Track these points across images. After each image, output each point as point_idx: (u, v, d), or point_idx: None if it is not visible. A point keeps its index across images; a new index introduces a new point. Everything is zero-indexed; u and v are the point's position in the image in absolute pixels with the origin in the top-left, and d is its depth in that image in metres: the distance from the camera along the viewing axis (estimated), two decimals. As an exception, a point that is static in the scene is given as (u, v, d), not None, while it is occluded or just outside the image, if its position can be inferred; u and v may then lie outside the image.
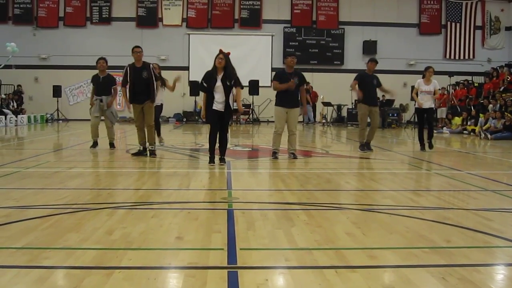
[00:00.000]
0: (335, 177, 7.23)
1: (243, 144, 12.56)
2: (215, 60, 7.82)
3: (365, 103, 10.41)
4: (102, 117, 10.42)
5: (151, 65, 9.07)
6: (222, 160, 8.08)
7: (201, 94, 8.24)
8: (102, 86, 10.28)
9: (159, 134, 10.79)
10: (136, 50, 8.93)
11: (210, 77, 7.85)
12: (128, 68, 8.94)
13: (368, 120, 10.67)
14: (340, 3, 25.31)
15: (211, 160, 7.99)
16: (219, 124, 7.98)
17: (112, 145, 10.49)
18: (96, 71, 10.46)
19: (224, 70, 7.80)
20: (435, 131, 18.58)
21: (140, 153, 9.07)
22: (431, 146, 10.87)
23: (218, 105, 7.85)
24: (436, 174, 7.73)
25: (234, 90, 8.00)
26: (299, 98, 9.13)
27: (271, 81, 8.89)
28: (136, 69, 8.88)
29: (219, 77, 7.80)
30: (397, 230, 4.13)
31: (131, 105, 9.04)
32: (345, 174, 7.62)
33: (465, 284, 2.91)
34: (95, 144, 10.32)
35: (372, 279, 2.97)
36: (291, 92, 8.84)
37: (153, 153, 9.08)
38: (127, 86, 8.99)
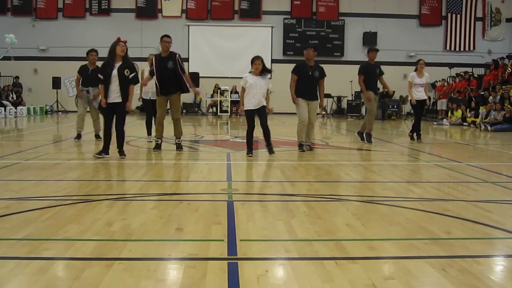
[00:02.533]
0: (335, 169, 7.23)
1: (242, 136, 12.55)
2: (115, 47, 7.58)
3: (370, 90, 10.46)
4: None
5: (177, 55, 8.62)
6: (121, 153, 7.82)
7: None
8: (91, 77, 10.13)
9: (149, 132, 10.37)
10: (166, 40, 8.55)
11: (106, 64, 7.63)
12: (153, 58, 8.63)
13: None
14: (340, -6, 25.23)
15: (105, 151, 7.69)
16: (115, 116, 7.72)
17: (98, 136, 10.36)
18: (85, 62, 10.34)
19: (123, 59, 7.60)
20: (435, 123, 18.70)
21: (159, 147, 8.81)
22: (413, 138, 11.19)
23: (112, 96, 7.59)
24: (436, 165, 7.73)
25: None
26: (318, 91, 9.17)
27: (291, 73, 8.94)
28: (162, 59, 8.52)
29: (117, 65, 7.55)
30: (397, 221, 4.13)
31: (157, 97, 8.73)
32: (345, 165, 7.62)
33: (465, 275, 2.91)
34: (79, 136, 10.24)
35: (372, 271, 2.97)
36: (311, 84, 8.88)
37: (180, 147, 8.84)
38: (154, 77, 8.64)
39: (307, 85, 8.87)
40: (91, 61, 10.23)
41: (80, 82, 10.27)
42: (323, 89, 9.26)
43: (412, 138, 11.25)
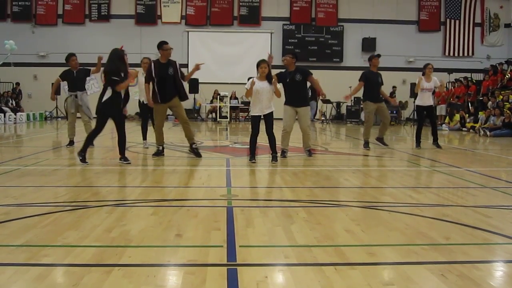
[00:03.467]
0: (334, 174, 7.23)
1: (242, 141, 12.56)
2: (124, 57, 7.74)
3: (371, 101, 10.46)
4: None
5: (176, 62, 8.63)
6: (124, 158, 7.84)
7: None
8: (76, 80, 10.11)
9: (145, 137, 10.33)
10: (167, 47, 8.47)
11: (116, 71, 7.66)
12: (152, 64, 8.50)
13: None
14: (339, 0, 25.28)
15: (82, 159, 7.67)
16: (115, 121, 7.79)
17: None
18: (67, 67, 10.29)
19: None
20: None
21: (159, 153, 8.77)
22: (439, 146, 10.94)
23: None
24: (435, 171, 7.73)
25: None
26: (309, 95, 9.09)
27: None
28: (162, 65, 8.46)
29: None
30: (396, 227, 4.13)
31: (156, 104, 8.58)
32: (344, 171, 7.62)
33: (464, 281, 2.91)
34: (71, 143, 10.19)
35: (371, 276, 2.98)
36: (296, 90, 8.76)
37: (198, 153, 8.72)
38: (151, 83, 8.51)
39: (291, 91, 8.75)
40: (73, 66, 10.20)
41: (67, 87, 10.24)
42: (316, 84, 9.10)
43: (438, 146, 10.93)
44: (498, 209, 4.98)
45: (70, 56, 10.25)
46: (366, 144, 10.63)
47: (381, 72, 10.74)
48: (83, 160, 7.65)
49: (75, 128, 10.34)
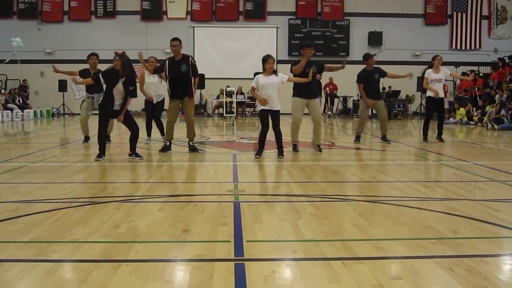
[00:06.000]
0: (341, 169, 7.21)
1: (248, 136, 12.56)
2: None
3: (368, 98, 10.53)
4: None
5: (190, 57, 8.65)
6: (135, 155, 7.98)
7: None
8: (94, 81, 10.14)
9: (162, 133, 10.23)
10: (172, 44, 8.51)
11: (113, 75, 7.80)
12: (167, 61, 8.58)
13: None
14: (345, -6, 25.21)
15: (100, 155, 7.84)
16: (125, 123, 8.04)
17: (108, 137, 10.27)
18: (86, 66, 10.27)
19: (125, 73, 7.75)
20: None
21: (166, 149, 8.87)
22: (441, 140, 10.87)
23: (117, 105, 7.88)
24: (443, 165, 7.70)
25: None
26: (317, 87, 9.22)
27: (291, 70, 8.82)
28: (175, 62, 8.52)
29: (122, 80, 7.74)
30: (404, 221, 4.12)
31: (170, 100, 8.74)
32: (352, 165, 7.61)
33: (473, 274, 2.89)
34: (87, 139, 10.28)
35: (379, 271, 2.97)
36: (310, 82, 8.74)
37: (195, 149, 8.86)
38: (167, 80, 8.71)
39: (305, 83, 8.69)
40: (92, 65, 10.16)
41: (85, 89, 10.27)
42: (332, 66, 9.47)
43: (441, 140, 10.84)
44: (506, 203, 4.96)
45: (91, 55, 10.19)
46: (357, 138, 10.75)
47: (388, 66, 10.79)
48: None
49: (88, 124, 10.33)
